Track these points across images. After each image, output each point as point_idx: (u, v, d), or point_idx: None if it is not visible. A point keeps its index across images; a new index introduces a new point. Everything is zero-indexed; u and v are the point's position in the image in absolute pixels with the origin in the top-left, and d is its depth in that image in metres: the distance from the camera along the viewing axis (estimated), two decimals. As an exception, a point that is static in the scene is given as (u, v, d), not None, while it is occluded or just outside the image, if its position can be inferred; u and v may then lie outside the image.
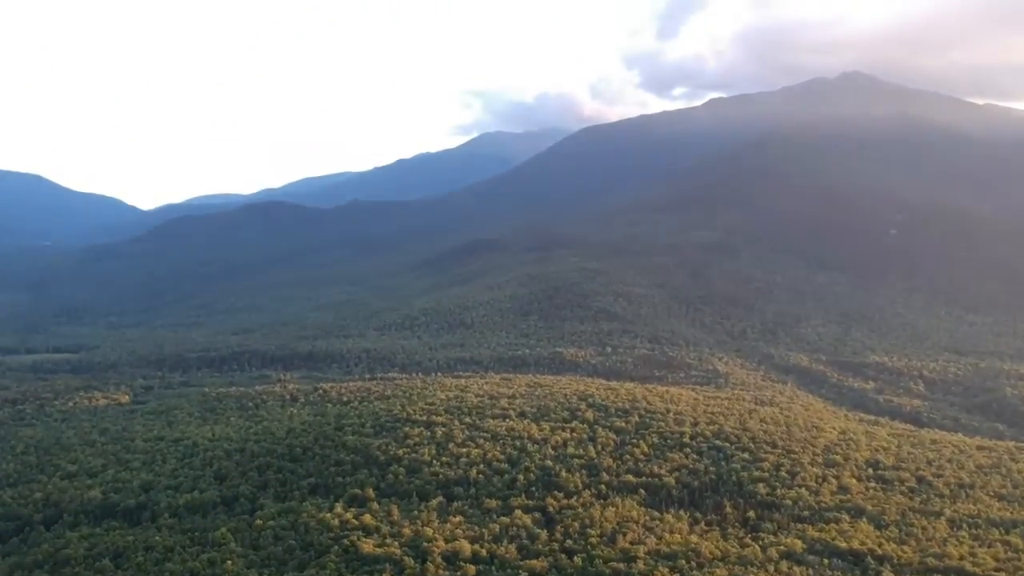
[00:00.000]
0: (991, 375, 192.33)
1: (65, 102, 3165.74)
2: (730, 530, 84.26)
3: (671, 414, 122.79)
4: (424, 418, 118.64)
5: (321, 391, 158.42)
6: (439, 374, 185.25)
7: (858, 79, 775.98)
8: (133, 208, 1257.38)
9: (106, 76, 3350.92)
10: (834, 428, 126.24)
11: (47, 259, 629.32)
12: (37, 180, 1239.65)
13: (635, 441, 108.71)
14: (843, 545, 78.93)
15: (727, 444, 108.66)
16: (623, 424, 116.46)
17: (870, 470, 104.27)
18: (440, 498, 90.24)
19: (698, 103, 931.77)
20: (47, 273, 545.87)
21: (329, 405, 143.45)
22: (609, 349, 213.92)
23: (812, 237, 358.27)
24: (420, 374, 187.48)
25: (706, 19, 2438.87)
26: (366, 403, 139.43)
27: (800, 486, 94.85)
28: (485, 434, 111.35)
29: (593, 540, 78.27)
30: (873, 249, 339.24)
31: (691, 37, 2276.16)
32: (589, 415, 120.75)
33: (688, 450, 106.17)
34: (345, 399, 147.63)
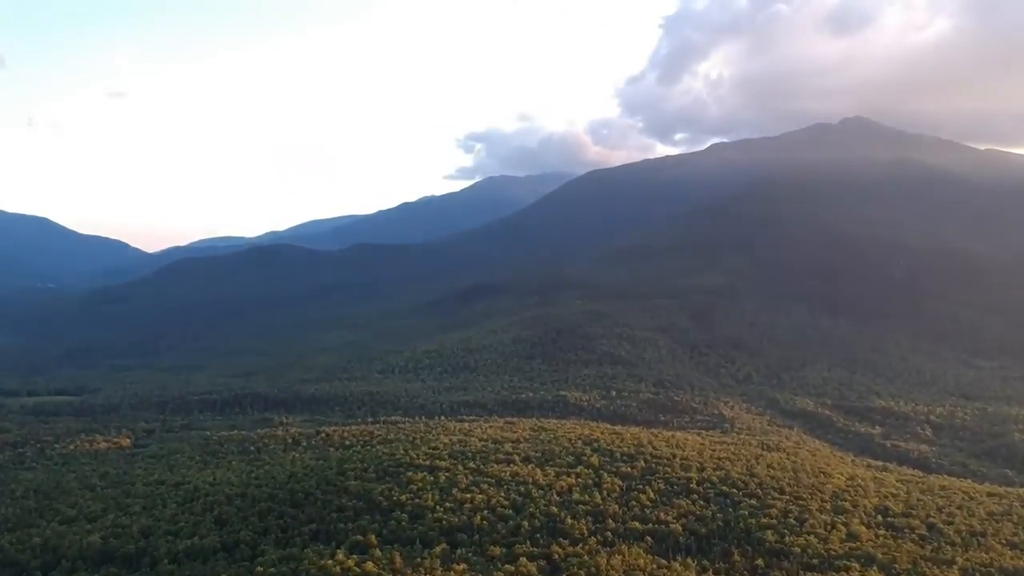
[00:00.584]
0: (999, 420, 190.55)
1: (71, 145, 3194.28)
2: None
3: (677, 459, 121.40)
4: (427, 463, 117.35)
5: (323, 435, 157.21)
6: (442, 417, 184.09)
7: (859, 124, 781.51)
8: (138, 251, 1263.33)
9: (111, 120, 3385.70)
10: (842, 474, 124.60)
11: (51, 301, 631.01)
12: (43, 223, 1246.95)
13: (641, 487, 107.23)
14: (854, 595, 77.43)
15: (734, 490, 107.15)
16: (629, 469, 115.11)
17: (879, 517, 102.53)
18: (443, 545, 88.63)
19: (700, 148, 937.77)
20: (51, 315, 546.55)
21: (331, 449, 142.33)
22: (613, 393, 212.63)
23: (815, 281, 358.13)
24: (423, 418, 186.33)
25: (706, 66, 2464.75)
26: (369, 447, 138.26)
27: (809, 533, 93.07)
28: (489, 479, 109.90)
29: (599, 589, 76.89)
30: (877, 293, 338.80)
31: (692, 83, 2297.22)
32: (594, 460, 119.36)
33: (695, 496, 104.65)
34: (348, 443, 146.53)
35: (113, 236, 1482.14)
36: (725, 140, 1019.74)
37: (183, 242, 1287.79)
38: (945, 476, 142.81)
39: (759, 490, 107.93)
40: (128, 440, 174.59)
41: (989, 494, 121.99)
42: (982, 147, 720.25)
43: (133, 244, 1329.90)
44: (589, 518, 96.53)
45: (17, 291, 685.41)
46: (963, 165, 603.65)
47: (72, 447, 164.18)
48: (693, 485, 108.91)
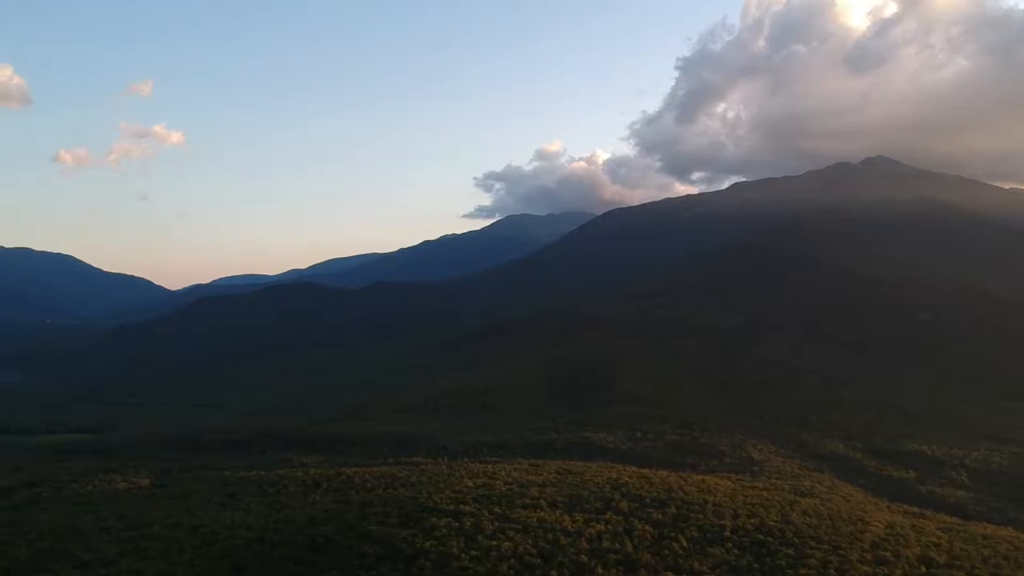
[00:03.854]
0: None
1: (96, 183, 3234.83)
2: (779, 634, 78.86)
3: (709, 505, 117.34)
4: (452, 507, 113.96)
5: (344, 477, 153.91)
6: (465, 459, 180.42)
7: (881, 163, 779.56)
8: (161, 288, 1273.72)
9: (136, 158, 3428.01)
10: (880, 521, 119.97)
11: (74, 338, 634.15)
12: (68, 260, 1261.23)
13: (673, 535, 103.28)
14: (903, 653, 73.34)
15: (770, 539, 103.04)
16: (660, 516, 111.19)
17: (923, 568, 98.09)
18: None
19: (718, 187, 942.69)
20: (73, 352, 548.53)
21: (352, 492, 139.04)
22: (638, 434, 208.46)
23: (840, 321, 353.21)
24: (446, 458, 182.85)
25: (724, 106, 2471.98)
26: (390, 490, 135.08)
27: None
28: (516, 525, 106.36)
29: (634, 644, 73.20)
30: (902, 333, 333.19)
31: (709, 123, 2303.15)
32: (624, 506, 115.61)
33: (729, 545, 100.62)
34: (369, 485, 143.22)
35: (137, 274, 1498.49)
36: (744, 179, 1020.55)
37: (205, 280, 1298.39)
38: (985, 524, 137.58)
39: (796, 539, 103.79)
40: (147, 480, 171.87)
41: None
42: (1006, 186, 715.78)
43: (157, 282, 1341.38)
44: (620, 567, 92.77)
45: (41, 328, 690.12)
46: (986, 204, 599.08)
47: (89, 487, 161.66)
48: (727, 533, 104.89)
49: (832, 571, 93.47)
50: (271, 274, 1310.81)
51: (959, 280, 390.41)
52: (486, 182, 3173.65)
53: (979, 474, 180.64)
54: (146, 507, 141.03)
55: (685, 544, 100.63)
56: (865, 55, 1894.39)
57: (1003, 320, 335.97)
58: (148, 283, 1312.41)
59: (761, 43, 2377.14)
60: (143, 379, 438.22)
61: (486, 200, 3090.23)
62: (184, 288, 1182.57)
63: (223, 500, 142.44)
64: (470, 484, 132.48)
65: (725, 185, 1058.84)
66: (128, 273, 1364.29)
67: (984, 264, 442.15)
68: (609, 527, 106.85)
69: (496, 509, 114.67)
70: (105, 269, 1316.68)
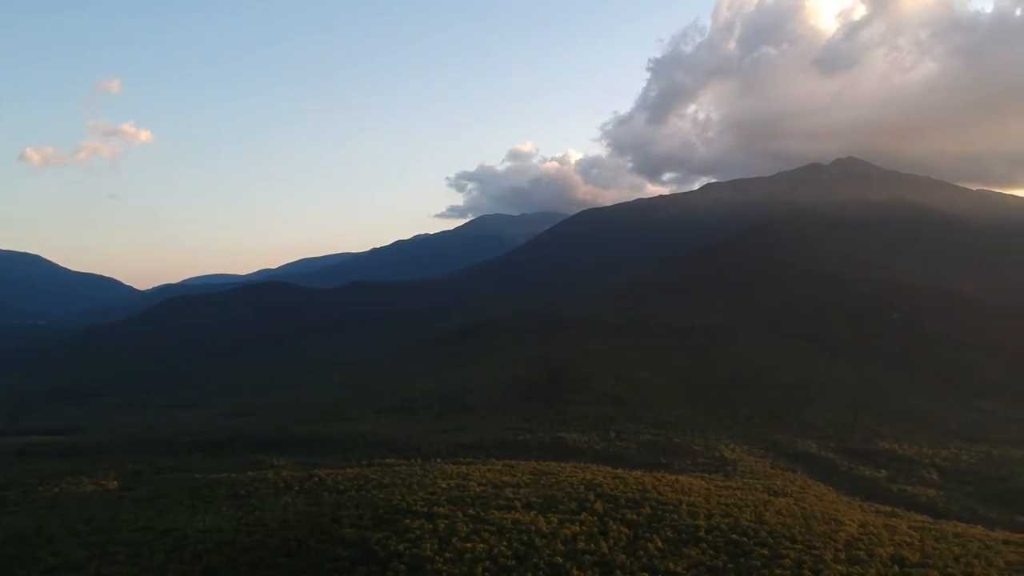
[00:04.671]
0: (1004, 463, 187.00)
1: (64, 182, 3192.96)
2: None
3: (684, 505, 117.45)
4: (425, 509, 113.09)
5: (317, 478, 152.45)
6: (439, 460, 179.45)
7: (852, 165, 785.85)
8: (130, 288, 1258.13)
9: (104, 156, 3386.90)
10: (853, 520, 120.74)
11: (42, 338, 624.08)
12: (35, 260, 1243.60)
13: (648, 535, 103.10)
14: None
15: (744, 539, 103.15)
16: (634, 516, 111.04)
17: (896, 567, 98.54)
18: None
19: (689, 187, 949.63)
20: (41, 352, 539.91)
21: (325, 494, 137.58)
22: (613, 434, 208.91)
23: (813, 321, 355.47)
24: (420, 460, 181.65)
25: (695, 107, 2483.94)
26: (364, 492, 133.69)
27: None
28: (490, 527, 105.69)
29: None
30: (874, 333, 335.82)
31: (680, 124, 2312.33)
32: (598, 506, 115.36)
33: (704, 545, 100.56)
34: (342, 487, 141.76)
35: (106, 274, 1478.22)
36: (715, 180, 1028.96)
37: (175, 279, 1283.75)
38: (956, 522, 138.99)
39: (770, 539, 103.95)
40: (116, 482, 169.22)
41: (1005, 542, 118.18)
42: (973, 187, 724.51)
43: (126, 282, 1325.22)
44: (596, 568, 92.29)
45: (8, 328, 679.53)
46: (955, 205, 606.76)
47: (57, 490, 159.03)
48: (702, 534, 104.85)
49: (807, 571, 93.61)
50: (241, 274, 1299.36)
51: (930, 281, 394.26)
52: (459, 182, 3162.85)
53: (949, 473, 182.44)
54: (115, 510, 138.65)
55: (660, 545, 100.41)
56: (835, 57, 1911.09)
57: (974, 320, 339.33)
58: (117, 283, 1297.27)
59: (732, 45, 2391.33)
60: (114, 380, 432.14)
61: (459, 200, 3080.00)
62: (154, 288, 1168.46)
63: (194, 503, 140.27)
64: (444, 485, 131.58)
65: (696, 186, 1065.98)
66: (97, 273, 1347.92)
67: (955, 265, 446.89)
68: (584, 528, 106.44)
69: (470, 510, 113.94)
70: (73, 269, 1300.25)
